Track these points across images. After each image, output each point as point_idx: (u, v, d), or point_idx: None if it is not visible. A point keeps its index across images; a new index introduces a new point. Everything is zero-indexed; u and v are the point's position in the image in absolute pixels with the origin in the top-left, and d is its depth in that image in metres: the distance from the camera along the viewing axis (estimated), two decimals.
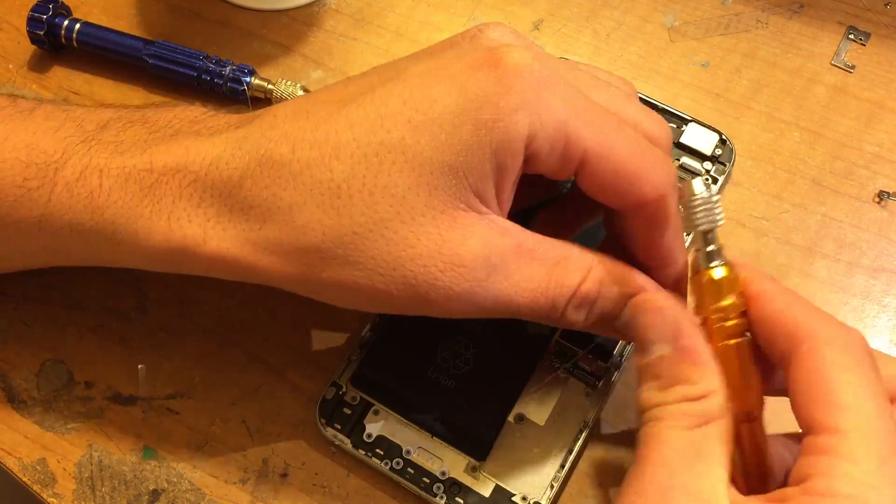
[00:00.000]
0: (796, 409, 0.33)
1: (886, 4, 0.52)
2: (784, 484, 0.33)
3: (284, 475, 0.43)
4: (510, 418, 0.42)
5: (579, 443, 0.42)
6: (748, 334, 0.36)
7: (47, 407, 0.45)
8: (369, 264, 0.35)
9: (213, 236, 0.37)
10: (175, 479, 0.43)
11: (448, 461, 0.42)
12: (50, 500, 0.43)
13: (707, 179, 0.37)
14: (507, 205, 0.36)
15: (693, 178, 0.39)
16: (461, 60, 0.35)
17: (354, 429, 0.43)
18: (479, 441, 0.42)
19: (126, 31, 0.53)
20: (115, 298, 0.47)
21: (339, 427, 0.43)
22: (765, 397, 0.36)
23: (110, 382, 0.45)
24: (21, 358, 0.46)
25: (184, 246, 0.37)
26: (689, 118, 0.48)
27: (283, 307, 0.46)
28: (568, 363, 0.43)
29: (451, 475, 0.41)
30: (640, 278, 0.37)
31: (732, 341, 0.35)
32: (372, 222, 0.34)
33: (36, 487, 0.43)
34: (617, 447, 0.43)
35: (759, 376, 0.36)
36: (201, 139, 0.38)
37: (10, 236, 0.40)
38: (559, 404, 0.43)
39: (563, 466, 0.41)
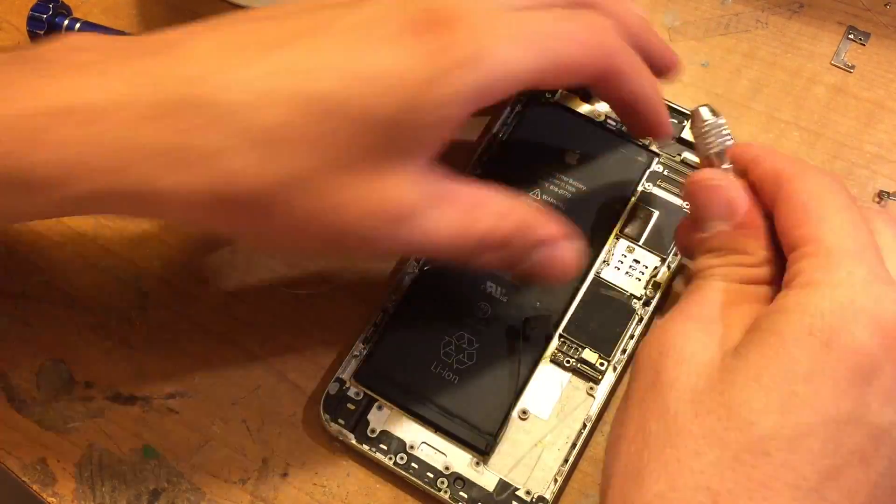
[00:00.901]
0: (782, 237, 0.36)
1: (886, 4, 0.53)
2: None
3: (284, 475, 0.43)
4: (514, 413, 0.42)
5: (583, 437, 0.42)
6: None
7: (47, 406, 0.44)
8: (296, 212, 0.34)
9: (127, 173, 0.33)
10: (175, 479, 0.43)
11: (452, 456, 0.42)
12: (50, 499, 0.43)
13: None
14: (440, 150, 0.36)
15: (700, 106, 0.40)
16: (397, 15, 0.35)
17: (358, 424, 0.42)
18: (482, 435, 0.42)
19: (126, 30, 0.53)
20: (115, 298, 0.47)
21: (342, 422, 0.42)
22: None
23: (110, 382, 0.45)
24: (21, 357, 0.46)
25: (90, 188, 0.34)
26: (690, 113, 0.48)
27: (283, 307, 0.46)
28: (572, 358, 0.43)
29: (454, 470, 0.41)
30: (554, 222, 0.39)
31: None
32: (303, 172, 0.34)
33: (36, 487, 0.43)
34: None
35: None
36: (94, 72, 0.34)
37: None
38: (563, 399, 0.43)
39: (566, 461, 0.41)
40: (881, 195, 0.48)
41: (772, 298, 0.35)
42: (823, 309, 0.32)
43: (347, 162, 0.34)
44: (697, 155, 0.40)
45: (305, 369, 0.45)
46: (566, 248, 0.39)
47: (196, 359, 0.45)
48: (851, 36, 0.52)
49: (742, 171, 0.39)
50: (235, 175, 0.33)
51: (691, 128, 0.40)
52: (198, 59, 0.34)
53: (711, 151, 0.39)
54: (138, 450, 0.44)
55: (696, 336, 0.34)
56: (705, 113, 0.39)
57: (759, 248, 0.37)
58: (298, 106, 0.33)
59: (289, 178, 0.34)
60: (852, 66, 0.51)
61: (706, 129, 0.39)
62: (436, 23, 0.34)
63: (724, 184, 0.38)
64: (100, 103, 0.33)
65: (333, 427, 0.42)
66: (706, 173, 0.39)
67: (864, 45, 0.52)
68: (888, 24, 0.52)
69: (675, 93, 0.50)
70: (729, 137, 0.39)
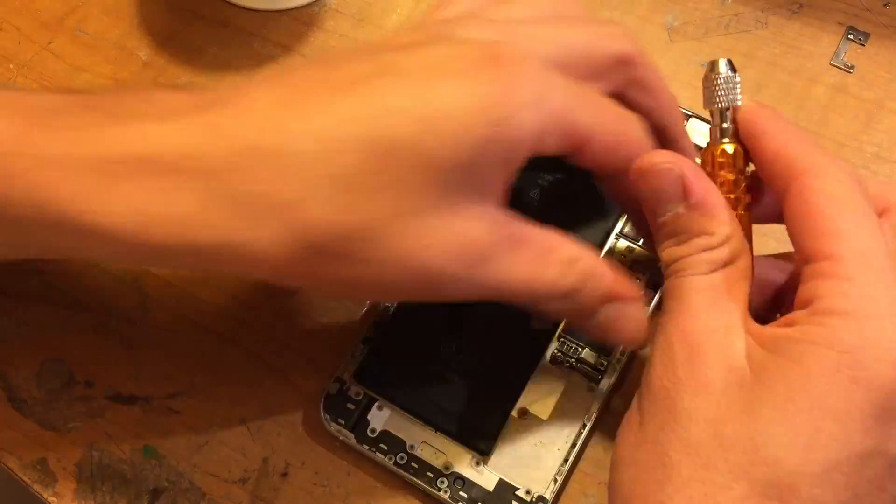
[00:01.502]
0: (794, 239, 0.35)
1: (886, 5, 0.53)
2: (784, 305, 0.37)
3: (285, 474, 0.43)
4: (513, 413, 0.42)
5: (582, 437, 0.42)
6: (749, 206, 0.38)
7: (47, 406, 0.44)
8: (380, 257, 0.34)
9: (203, 227, 0.34)
10: (175, 479, 0.43)
11: (452, 455, 0.42)
12: (50, 499, 0.43)
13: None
14: (506, 193, 0.36)
15: (721, 57, 0.39)
16: (461, 57, 0.35)
17: (358, 424, 0.42)
18: (482, 435, 0.42)
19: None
20: (115, 298, 0.47)
21: (343, 422, 0.42)
22: None
23: (111, 382, 0.45)
24: (21, 357, 0.45)
25: (155, 234, 0.34)
26: (690, 113, 0.48)
27: (283, 307, 0.46)
28: (571, 358, 0.43)
29: (455, 469, 0.41)
30: (625, 280, 0.38)
31: (736, 212, 0.37)
32: (384, 217, 0.34)
33: (36, 487, 0.43)
34: None
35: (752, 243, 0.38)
36: (162, 123, 0.35)
37: None
38: (563, 399, 0.43)
39: (566, 461, 0.41)
40: None
41: (748, 265, 0.36)
42: (852, 345, 0.32)
43: (424, 205, 0.34)
44: (704, 106, 0.39)
45: (305, 369, 0.45)
46: (635, 309, 0.39)
47: (196, 359, 0.45)
48: (851, 36, 0.52)
49: (744, 136, 0.38)
50: (315, 225, 0.33)
51: (704, 78, 0.39)
52: (266, 108, 0.34)
53: (716, 105, 0.38)
54: (139, 450, 0.44)
55: (706, 360, 0.34)
56: (722, 65, 0.38)
57: (720, 226, 0.36)
58: (370, 152, 0.33)
59: (368, 225, 0.33)
60: (852, 67, 0.51)
61: (719, 81, 0.38)
62: (499, 63, 0.34)
63: (672, 165, 0.37)
64: (172, 155, 0.33)
65: (333, 427, 0.42)
66: (652, 156, 0.37)
67: (863, 45, 0.52)
68: (888, 24, 0.52)
69: (675, 93, 0.49)
70: (739, 96, 0.38)
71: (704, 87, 0.39)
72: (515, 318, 0.44)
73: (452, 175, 0.34)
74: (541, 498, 0.41)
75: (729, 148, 0.38)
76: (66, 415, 0.44)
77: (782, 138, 0.37)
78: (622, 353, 0.43)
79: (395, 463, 0.42)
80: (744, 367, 0.33)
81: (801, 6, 0.53)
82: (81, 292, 0.47)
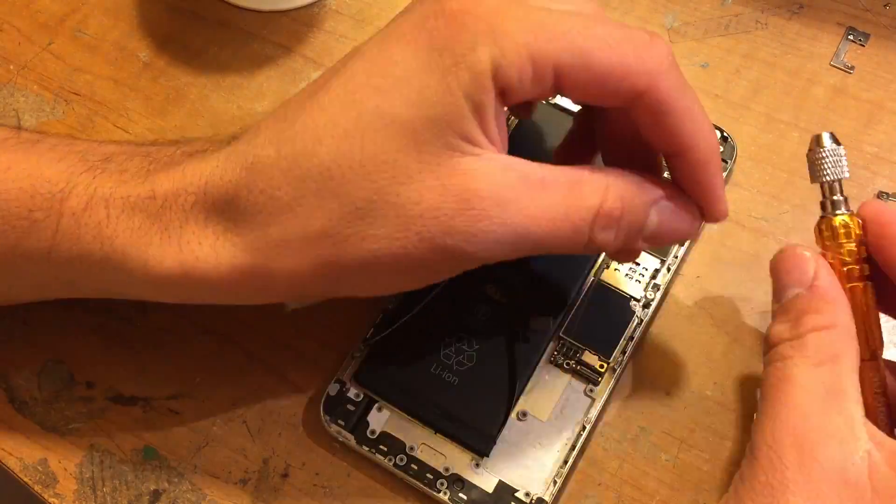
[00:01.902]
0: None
1: (886, 5, 0.53)
2: None
3: (285, 475, 0.43)
4: (513, 415, 0.42)
5: (581, 439, 0.42)
6: (868, 279, 0.38)
7: (48, 407, 0.44)
8: (381, 233, 0.34)
9: (224, 253, 0.36)
10: (176, 480, 0.43)
11: (451, 457, 0.42)
12: (51, 500, 0.43)
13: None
14: (501, 141, 0.36)
15: (823, 132, 0.40)
16: (410, 19, 0.35)
17: (358, 425, 0.43)
18: (482, 437, 0.42)
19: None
20: (116, 299, 0.46)
21: (342, 424, 0.43)
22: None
23: (111, 383, 0.45)
24: (22, 358, 0.46)
25: (196, 268, 0.37)
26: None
27: (283, 308, 0.46)
28: (571, 360, 0.43)
29: (454, 471, 0.41)
30: (659, 183, 0.37)
31: (852, 284, 0.38)
32: (372, 192, 0.34)
33: (37, 488, 0.43)
34: (618, 447, 0.43)
35: (878, 320, 0.38)
36: (195, 161, 0.38)
37: (20, 268, 0.40)
38: (562, 401, 0.43)
39: (565, 462, 0.41)
40: (881, 196, 0.48)
41: (860, 361, 0.35)
42: None
43: (413, 169, 0.34)
44: (812, 181, 0.39)
45: (305, 370, 0.45)
46: (683, 203, 0.37)
47: (197, 360, 0.45)
48: (851, 37, 0.52)
49: (870, 239, 0.38)
50: (308, 218, 0.35)
51: (808, 152, 0.39)
52: (263, 131, 0.37)
53: (825, 180, 0.39)
54: (139, 450, 0.44)
55: (821, 467, 0.33)
56: (826, 139, 0.39)
57: (832, 309, 0.36)
58: (347, 134, 0.34)
59: (358, 205, 0.34)
60: (852, 67, 0.51)
61: (824, 155, 0.39)
62: (446, 10, 0.34)
63: (807, 255, 0.38)
64: (201, 184, 0.37)
65: (333, 428, 0.42)
66: (791, 248, 0.38)
67: (863, 45, 0.52)
68: (888, 24, 0.52)
69: None
70: (845, 168, 0.39)
71: (809, 162, 0.39)
72: (515, 319, 0.44)
73: (423, 132, 0.34)
74: (540, 500, 0.41)
75: (841, 220, 0.38)
76: (67, 416, 0.44)
77: None
78: (622, 355, 0.43)
79: (395, 464, 0.42)
80: (864, 484, 0.32)
81: (801, 6, 0.53)
82: None
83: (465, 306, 0.44)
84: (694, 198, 0.37)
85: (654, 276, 0.45)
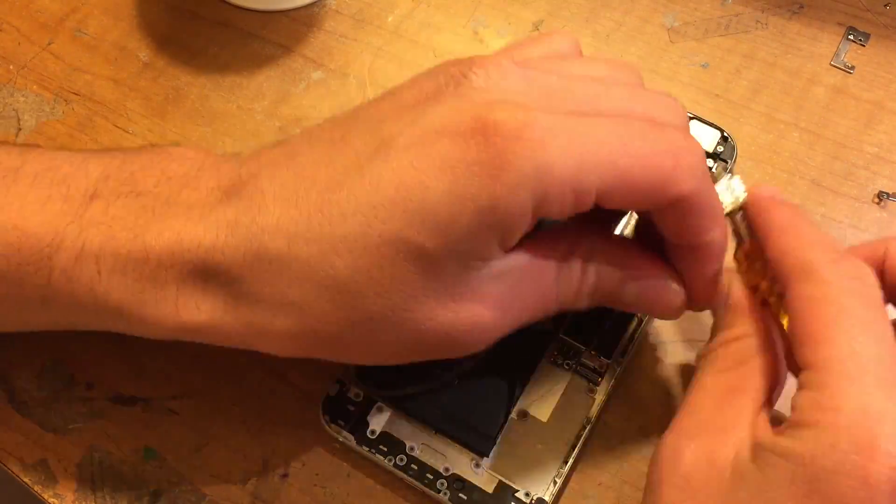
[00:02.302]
0: (792, 344, 0.34)
1: (886, 5, 0.53)
2: None
3: (285, 475, 0.43)
4: (513, 415, 0.42)
5: (582, 439, 0.42)
6: (780, 296, 0.38)
7: (48, 408, 0.44)
8: (390, 339, 0.36)
9: (226, 323, 0.37)
10: (176, 480, 0.43)
11: (451, 457, 0.42)
12: (51, 500, 0.43)
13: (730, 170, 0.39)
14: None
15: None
16: (448, 133, 0.33)
17: (358, 425, 0.42)
18: (482, 437, 0.42)
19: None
20: None
21: (342, 424, 0.43)
22: None
23: (111, 383, 0.45)
24: (22, 359, 0.46)
25: (196, 327, 0.37)
26: (691, 115, 0.48)
27: None
28: (571, 360, 0.43)
29: (454, 471, 0.41)
30: (638, 258, 0.39)
31: (764, 299, 0.38)
32: (386, 309, 0.35)
33: (37, 488, 0.43)
34: (618, 447, 0.43)
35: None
36: (190, 216, 0.37)
37: (18, 310, 0.40)
38: (562, 401, 0.43)
39: (566, 462, 0.41)
40: (881, 196, 0.48)
41: (770, 370, 0.36)
42: (810, 456, 0.31)
43: (430, 293, 0.35)
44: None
45: (305, 370, 0.45)
46: (656, 282, 0.39)
47: (196, 360, 0.45)
48: (851, 37, 0.52)
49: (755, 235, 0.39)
50: (318, 322, 0.35)
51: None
52: (272, 203, 0.36)
53: (726, 213, 0.39)
54: (139, 451, 0.44)
55: (689, 458, 0.34)
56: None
57: (739, 323, 0.37)
58: (366, 251, 0.34)
59: (370, 317, 0.35)
60: (852, 67, 0.51)
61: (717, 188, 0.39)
62: (487, 137, 0.33)
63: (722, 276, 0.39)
64: (199, 253, 0.36)
65: (333, 428, 0.42)
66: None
67: (863, 45, 0.52)
68: (888, 24, 0.52)
69: (675, 94, 0.49)
70: (743, 192, 0.39)
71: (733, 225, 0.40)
72: None
73: (446, 263, 0.34)
74: (540, 500, 0.41)
75: (747, 245, 0.39)
76: (67, 416, 0.44)
77: (780, 238, 0.36)
78: (622, 355, 0.43)
79: (395, 464, 0.42)
80: (724, 470, 0.33)
81: (801, 6, 0.53)
82: None
83: None
84: (689, 284, 0.39)
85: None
